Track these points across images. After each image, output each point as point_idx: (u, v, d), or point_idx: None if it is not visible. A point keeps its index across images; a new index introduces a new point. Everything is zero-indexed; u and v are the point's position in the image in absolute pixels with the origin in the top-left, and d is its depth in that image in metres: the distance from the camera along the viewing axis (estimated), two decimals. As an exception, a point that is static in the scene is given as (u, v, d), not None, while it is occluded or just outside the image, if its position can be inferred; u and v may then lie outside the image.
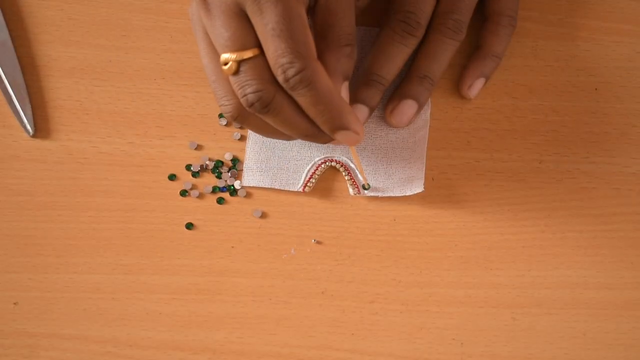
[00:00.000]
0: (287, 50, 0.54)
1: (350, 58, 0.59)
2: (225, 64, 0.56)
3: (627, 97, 0.67)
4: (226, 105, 0.58)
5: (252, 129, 0.61)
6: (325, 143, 0.60)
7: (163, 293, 0.63)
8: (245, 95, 0.56)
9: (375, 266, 0.64)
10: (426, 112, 0.66)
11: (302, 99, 0.56)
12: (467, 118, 0.66)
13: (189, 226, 0.64)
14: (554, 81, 0.67)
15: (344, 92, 0.59)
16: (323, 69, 0.56)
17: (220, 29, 0.56)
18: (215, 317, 0.63)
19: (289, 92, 0.56)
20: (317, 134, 0.59)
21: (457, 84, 0.67)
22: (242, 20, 0.55)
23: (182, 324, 0.63)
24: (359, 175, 0.64)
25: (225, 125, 0.66)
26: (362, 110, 0.64)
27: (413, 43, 0.63)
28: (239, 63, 0.56)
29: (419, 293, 0.63)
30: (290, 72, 0.54)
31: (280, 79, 0.55)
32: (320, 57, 0.58)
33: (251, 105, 0.56)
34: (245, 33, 0.56)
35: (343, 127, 0.58)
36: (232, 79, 0.56)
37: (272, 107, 0.56)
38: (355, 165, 0.64)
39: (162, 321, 0.63)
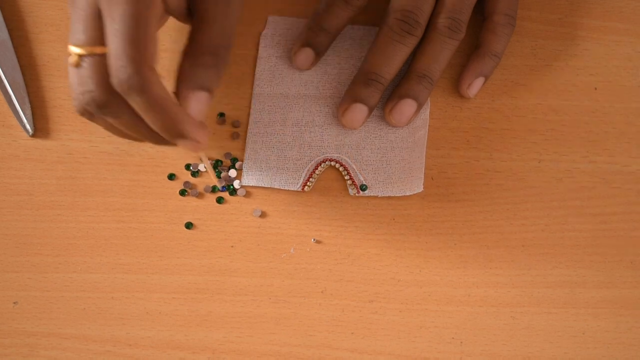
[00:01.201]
0: (123, 53, 0.53)
1: (212, 68, 0.58)
2: (70, 55, 0.55)
3: (626, 96, 0.67)
4: (74, 99, 0.57)
5: (102, 127, 0.59)
6: (174, 146, 0.58)
7: (162, 292, 0.63)
8: (82, 93, 0.56)
9: (374, 265, 0.64)
10: (425, 112, 0.66)
11: (134, 105, 0.55)
12: (466, 117, 0.66)
13: (189, 225, 0.64)
14: (553, 80, 0.67)
15: (195, 102, 0.57)
16: (157, 77, 0.54)
17: (75, 22, 0.56)
18: (214, 317, 0.63)
19: (122, 95, 0.55)
20: (160, 138, 0.58)
21: (456, 83, 0.67)
22: (97, 18, 0.55)
23: (182, 324, 0.63)
24: (210, 173, 0.64)
25: (224, 124, 0.66)
26: (361, 110, 0.64)
27: (412, 42, 0.63)
28: (81, 58, 0.55)
29: (418, 292, 0.63)
30: (122, 76, 0.53)
31: (113, 81, 0.54)
32: (181, 60, 0.58)
33: (86, 104, 0.56)
34: (96, 30, 0.55)
35: (180, 136, 0.56)
36: (73, 72, 0.56)
37: (109, 110, 0.56)
38: (207, 168, 0.63)
39: (161, 320, 0.63)
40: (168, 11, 0.59)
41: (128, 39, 0.53)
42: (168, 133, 0.56)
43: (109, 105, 0.55)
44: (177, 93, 0.58)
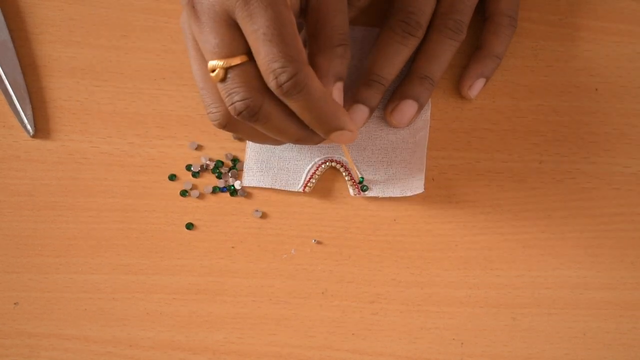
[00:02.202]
0: (279, 55, 0.54)
1: (343, 58, 0.59)
2: (213, 70, 0.56)
3: (627, 97, 0.67)
4: (214, 112, 0.58)
5: (241, 136, 0.61)
6: (316, 144, 0.60)
7: (163, 293, 0.63)
8: (232, 103, 0.56)
9: (375, 266, 0.64)
10: (426, 113, 0.66)
11: (295, 105, 0.56)
12: (467, 118, 0.66)
13: (189, 226, 0.64)
14: (554, 81, 0.67)
15: (337, 93, 0.59)
16: (314, 73, 0.56)
17: (209, 36, 0.56)
18: (215, 317, 0.63)
19: (282, 98, 0.55)
20: (308, 137, 0.59)
21: (457, 84, 0.67)
22: (231, 27, 0.55)
23: (183, 324, 0.63)
24: (352, 172, 0.64)
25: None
26: (362, 111, 0.64)
27: (413, 43, 0.63)
28: (227, 70, 0.55)
29: (419, 293, 0.63)
30: (283, 77, 0.54)
31: (272, 84, 0.55)
32: (312, 58, 0.58)
33: (239, 113, 0.56)
34: (234, 40, 0.55)
35: (338, 128, 0.58)
36: (219, 86, 0.56)
37: (261, 115, 0.56)
38: (348, 162, 0.64)
39: (162, 321, 0.63)
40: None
41: (280, 41, 0.54)
42: (326, 127, 0.57)
43: (262, 110, 0.56)
44: None
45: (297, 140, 0.59)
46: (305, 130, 0.58)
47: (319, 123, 0.57)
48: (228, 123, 0.58)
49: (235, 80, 0.55)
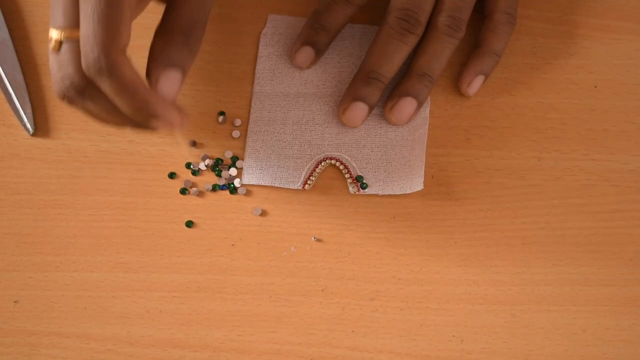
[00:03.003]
0: (92, 36, 0.52)
1: (182, 46, 0.57)
2: (50, 40, 0.55)
3: (626, 94, 0.67)
4: (53, 84, 0.56)
5: (83, 113, 0.58)
6: (152, 129, 0.57)
7: (163, 291, 0.63)
8: (61, 78, 0.55)
9: (375, 264, 0.64)
10: (425, 110, 0.66)
11: (103, 88, 0.54)
12: (466, 116, 0.66)
13: (189, 224, 0.64)
14: (553, 79, 0.67)
15: (166, 81, 0.56)
16: (126, 60, 0.54)
17: (54, 5, 0.55)
18: (215, 315, 0.63)
19: (92, 79, 0.54)
20: (136, 122, 0.56)
21: (456, 81, 0.67)
22: (76, 1, 0.54)
23: (183, 322, 0.63)
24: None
25: (224, 123, 0.66)
26: (361, 108, 0.64)
27: (412, 41, 0.63)
28: (60, 43, 0.55)
29: (418, 290, 0.63)
30: (89, 59, 0.53)
31: (83, 64, 0.53)
32: (153, 39, 0.57)
33: (66, 89, 0.55)
34: (74, 14, 0.54)
35: (153, 117, 0.55)
36: (52, 57, 0.55)
37: (87, 94, 0.55)
38: (180, 143, 0.63)
39: (162, 319, 0.63)
40: None
41: (98, 21, 0.52)
42: (139, 115, 0.55)
43: (87, 90, 0.55)
44: (148, 73, 0.57)
45: (129, 124, 0.57)
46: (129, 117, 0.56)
47: (130, 110, 0.55)
48: (64, 97, 0.56)
49: (67, 55, 0.54)
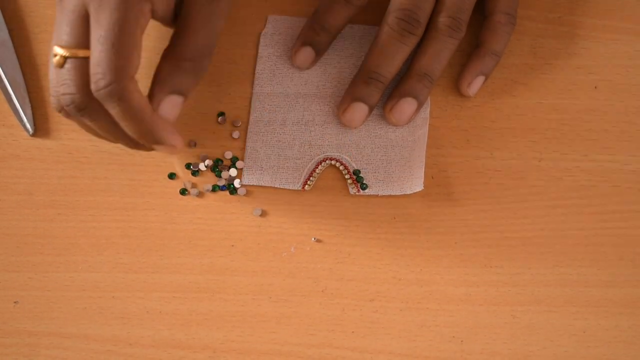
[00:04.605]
0: (105, 61, 0.54)
1: (189, 74, 0.59)
2: (55, 56, 0.56)
3: (626, 94, 0.67)
4: (52, 96, 0.58)
5: (78, 125, 0.60)
6: (148, 151, 0.61)
7: (163, 291, 0.63)
8: (62, 94, 0.56)
9: (375, 264, 0.64)
10: (425, 111, 0.66)
11: (112, 112, 0.56)
12: (466, 116, 0.66)
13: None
14: (553, 79, 0.67)
15: (168, 106, 0.59)
16: (136, 86, 0.56)
17: (62, 22, 0.56)
18: (215, 316, 0.63)
19: (100, 101, 0.56)
20: (134, 143, 0.59)
21: (456, 82, 0.67)
22: (84, 21, 0.56)
23: (182, 323, 0.63)
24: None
25: (224, 123, 0.66)
26: (361, 109, 0.64)
27: (413, 41, 0.63)
28: (65, 59, 0.56)
29: (419, 291, 0.63)
30: (101, 83, 0.55)
31: (92, 87, 0.55)
32: (159, 63, 0.59)
33: (64, 106, 0.57)
34: (82, 34, 0.56)
35: (156, 142, 0.58)
36: (54, 72, 0.57)
37: (86, 113, 0.57)
38: (177, 170, 0.65)
39: (162, 320, 0.63)
40: (155, 17, 0.59)
41: (112, 47, 0.54)
42: (145, 139, 0.58)
43: (87, 109, 0.56)
44: (151, 94, 0.59)
45: (126, 144, 0.60)
46: (130, 137, 0.58)
47: (136, 134, 0.57)
48: (62, 111, 0.58)
49: (70, 72, 0.56)
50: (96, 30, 0.55)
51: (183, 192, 0.65)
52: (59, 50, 0.56)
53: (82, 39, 0.56)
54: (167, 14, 0.60)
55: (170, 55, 0.59)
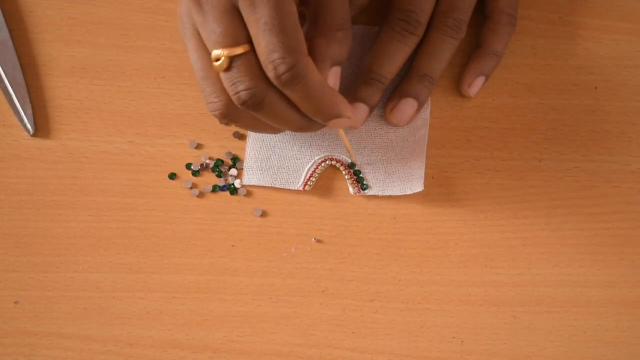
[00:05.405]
0: (279, 45, 0.54)
1: (343, 43, 0.59)
2: (217, 60, 0.56)
3: (626, 95, 0.67)
4: (215, 102, 0.58)
5: (241, 126, 0.61)
6: (316, 131, 0.61)
7: (163, 292, 0.63)
8: (237, 92, 0.56)
9: (375, 265, 0.64)
10: (426, 111, 0.66)
11: (293, 95, 0.56)
12: (467, 116, 0.66)
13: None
14: (553, 79, 0.67)
15: (333, 78, 0.59)
16: (313, 63, 0.56)
17: (212, 25, 0.56)
18: (215, 316, 0.63)
19: (280, 88, 0.56)
20: (309, 125, 0.59)
21: (457, 82, 0.67)
22: (235, 16, 0.55)
23: (183, 323, 0.63)
24: (349, 155, 0.64)
25: (225, 124, 0.66)
26: (362, 109, 0.64)
27: (413, 42, 0.63)
28: (231, 59, 0.56)
29: (419, 291, 0.63)
30: (282, 68, 0.54)
31: (271, 75, 0.55)
32: (311, 41, 0.58)
33: (243, 102, 0.56)
34: (237, 29, 0.55)
35: (335, 116, 0.58)
36: (223, 75, 0.56)
37: (265, 104, 0.56)
38: (345, 148, 0.64)
39: (162, 320, 0.63)
40: None
41: (280, 31, 0.54)
42: (324, 115, 0.58)
43: (265, 99, 0.56)
44: None
45: (299, 129, 0.59)
46: (305, 118, 0.58)
47: (317, 112, 0.57)
48: (230, 113, 0.58)
49: (240, 70, 0.56)
50: (257, 20, 0.54)
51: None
52: (222, 52, 0.55)
53: (239, 34, 0.55)
54: None
55: (320, 30, 0.59)
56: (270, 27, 0.54)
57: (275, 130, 0.61)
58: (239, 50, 0.55)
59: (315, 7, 0.59)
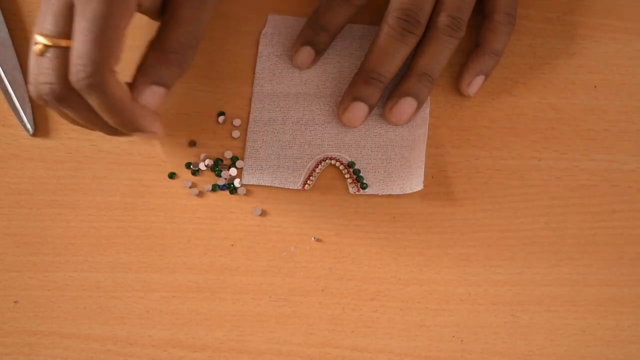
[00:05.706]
0: (85, 54, 0.54)
1: (174, 67, 0.59)
2: (36, 44, 0.56)
3: (626, 94, 0.67)
4: (30, 84, 0.58)
5: (57, 113, 0.60)
6: (128, 136, 0.61)
7: (163, 291, 0.63)
8: (41, 83, 0.56)
9: (374, 264, 0.64)
10: (425, 110, 0.66)
11: (91, 102, 0.56)
12: (466, 116, 0.66)
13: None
14: (552, 79, 0.67)
15: (149, 96, 0.59)
16: (115, 78, 0.55)
17: (47, 11, 0.56)
18: (215, 315, 0.63)
19: (79, 92, 0.56)
20: (114, 131, 0.59)
21: (456, 81, 0.67)
22: (69, 11, 0.56)
23: (182, 322, 0.63)
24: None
25: (224, 123, 0.66)
26: (361, 108, 0.64)
27: (412, 41, 0.63)
28: (47, 48, 0.56)
29: (418, 290, 0.63)
30: (80, 74, 0.54)
31: (71, 78, 0.55)
32: (146, 54, 0.59)
33: (44, 94, 0.56)
34: (66, 23, 0.56)
35: (136, 130, 0.58)
36: (33, 61, 0.56)
37: (66, 103, 0.57)
38: (161, 154, 0.65)
39: (162, 319, 0.63)
40: (141, 10, 0.59)
41: (94, 39, 0.54)
42: (124, 128, 0.58)
43: (66, 99, 0.56)
44: (134, 83, 0.59)
45: (105, 132, 0.60)
46: (109, 125, 0.58)
47: (116, 123, 0.57)
48: (40, 100, 0.58)
49: (51, 62, 0.56)
50: (80, 22, 0.55)
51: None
52: (41, 39, 0.56)
53: (65, 29, 0.56)
54: (154, 7, 0.60)
55: (156, 46, 0.59)
56: (86, 32, 0.54)
57: (85, 127, 0.61)
58: (57, 42, 0.55)
59: (166, 20, 0.59)
